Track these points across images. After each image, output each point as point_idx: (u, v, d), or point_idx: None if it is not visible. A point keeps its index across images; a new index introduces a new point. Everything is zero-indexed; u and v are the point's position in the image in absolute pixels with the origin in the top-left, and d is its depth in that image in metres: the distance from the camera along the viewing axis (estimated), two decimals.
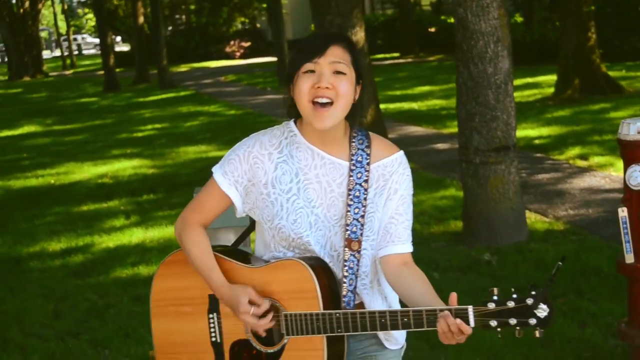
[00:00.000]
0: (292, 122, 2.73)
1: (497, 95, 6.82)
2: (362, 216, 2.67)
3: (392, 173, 2.73)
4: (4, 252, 8.12)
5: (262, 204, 2.71)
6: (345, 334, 2.57)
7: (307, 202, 2.68)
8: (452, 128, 13.43)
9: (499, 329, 2.36)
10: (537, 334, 2.34)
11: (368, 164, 2.70)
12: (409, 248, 2.74)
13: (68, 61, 48.74)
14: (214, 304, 2.77)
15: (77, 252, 7.87)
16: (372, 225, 2.71)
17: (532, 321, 2.33)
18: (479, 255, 6.78)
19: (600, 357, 4.90)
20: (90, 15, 55.09)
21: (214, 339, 2.78)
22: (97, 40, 52.44)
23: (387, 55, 31.89)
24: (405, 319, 2.46)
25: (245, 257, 2.84)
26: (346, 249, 2.67)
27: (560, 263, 2.38)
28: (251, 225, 2.96)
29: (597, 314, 5.40)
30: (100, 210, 9.65)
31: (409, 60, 30.20)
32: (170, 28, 42.61)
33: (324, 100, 2.58)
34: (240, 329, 2.71)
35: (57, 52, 57.69)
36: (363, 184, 2.68)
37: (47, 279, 7.11)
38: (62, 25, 58.09)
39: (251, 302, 2.62)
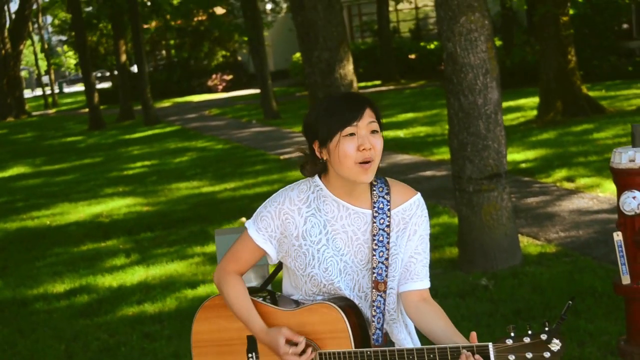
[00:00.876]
0: (317, 178, 2.95)
1: (487, 125, 7.04)
2: (387, 259, 2.91)
3: (411, 216, 2.97)
4: (8, 295, 8.23)
5: (294, 254, 2.94)
6: None
7: (336, 251, 2.92)
8: (439, 155, 13.66)
9: None
10: None
11: (389, 209, 2.94)
12: (427, 284, 2.98)
13: (50, 100, 48.75)
14: (252, 344, 2.99)
15: (81, 292, 7.99)
16: (396, 266, 2.95)
17: (547, 354, 2.56)
18: (476, 280, 6.96)
19: None
20: (70, 54, 55.12)
21: None
22: None
23: (369, 84, 32.13)
24: (432, 356, 2.69)
25: (276, 298, 3.07)
26: (374, 290, 2.91)
27: (570, 302, 2.62)
28: (278, 266, 3.17)
29: (594, 333, 5.56)
30: (99, 249, 9.78)
31: (391, 87, 30.48)
32: (151, 64, 42.69)
33: (369, 161, 2.83)
34: None
35: (38, 91, 57.79)
36: (385, 229, 2.92)
37: (55, 320, 7.23)
38: (42, 65, 58.09)
39: (288, 341, 2.83)
